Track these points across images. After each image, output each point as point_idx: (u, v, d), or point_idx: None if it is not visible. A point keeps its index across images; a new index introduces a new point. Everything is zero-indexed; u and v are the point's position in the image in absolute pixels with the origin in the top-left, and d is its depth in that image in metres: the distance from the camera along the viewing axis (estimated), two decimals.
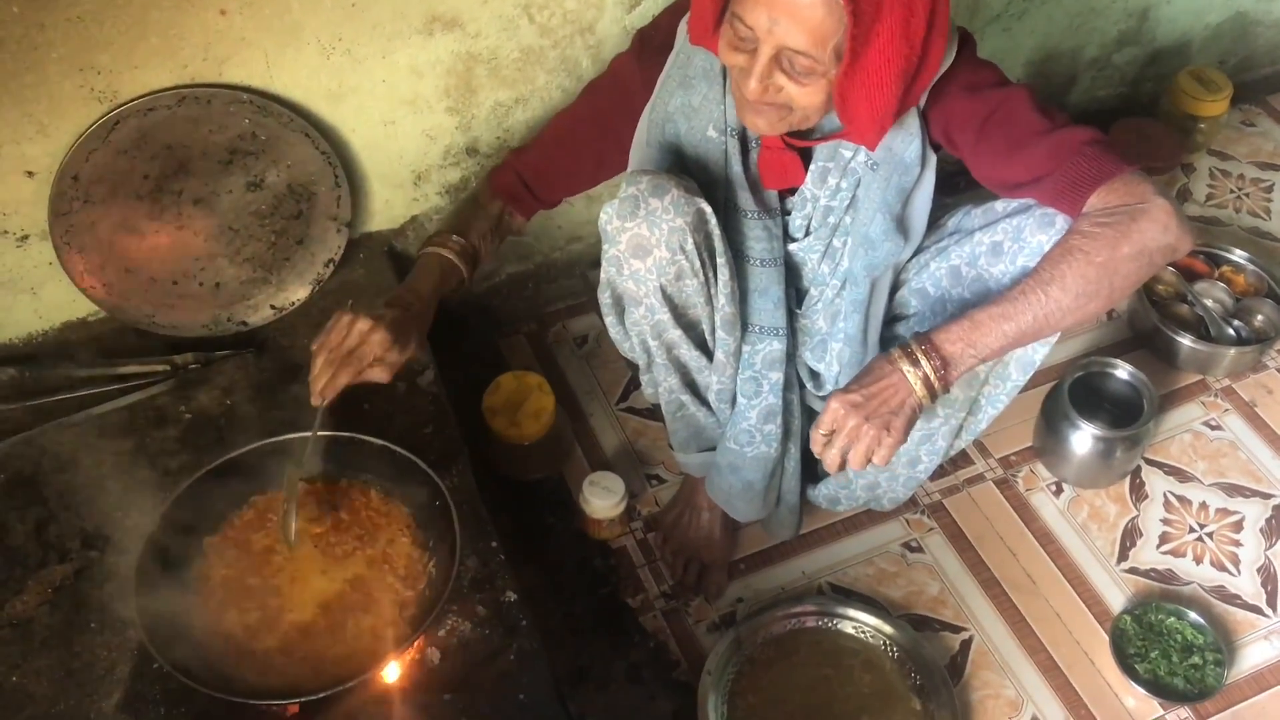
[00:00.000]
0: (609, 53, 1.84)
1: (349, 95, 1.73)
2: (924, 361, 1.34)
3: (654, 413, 1.96)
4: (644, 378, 1.70)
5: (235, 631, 1.42)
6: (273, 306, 1.83)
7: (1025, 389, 1.80)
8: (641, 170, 1.46)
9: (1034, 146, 1.36)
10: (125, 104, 1.59)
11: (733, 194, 1.54)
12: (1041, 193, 1.39)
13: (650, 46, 1.54)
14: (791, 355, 1.67)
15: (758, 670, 1.70)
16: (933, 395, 1.36)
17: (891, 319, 1.64)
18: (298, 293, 1.84)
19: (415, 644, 1.42)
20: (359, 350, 1.47)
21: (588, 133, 1.64)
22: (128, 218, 1.69)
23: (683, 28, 1.49)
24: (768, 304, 1.60)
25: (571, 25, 1.79)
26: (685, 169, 1.53)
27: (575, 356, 2.12)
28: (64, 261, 1.68)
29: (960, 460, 1.97)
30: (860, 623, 1.74)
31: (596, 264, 2.10)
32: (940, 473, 1.95)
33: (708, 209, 1.44)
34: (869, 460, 1.36)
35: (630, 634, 1.77)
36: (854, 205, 1.54)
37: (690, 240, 1.43)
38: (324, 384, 1.47)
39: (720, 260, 1.49)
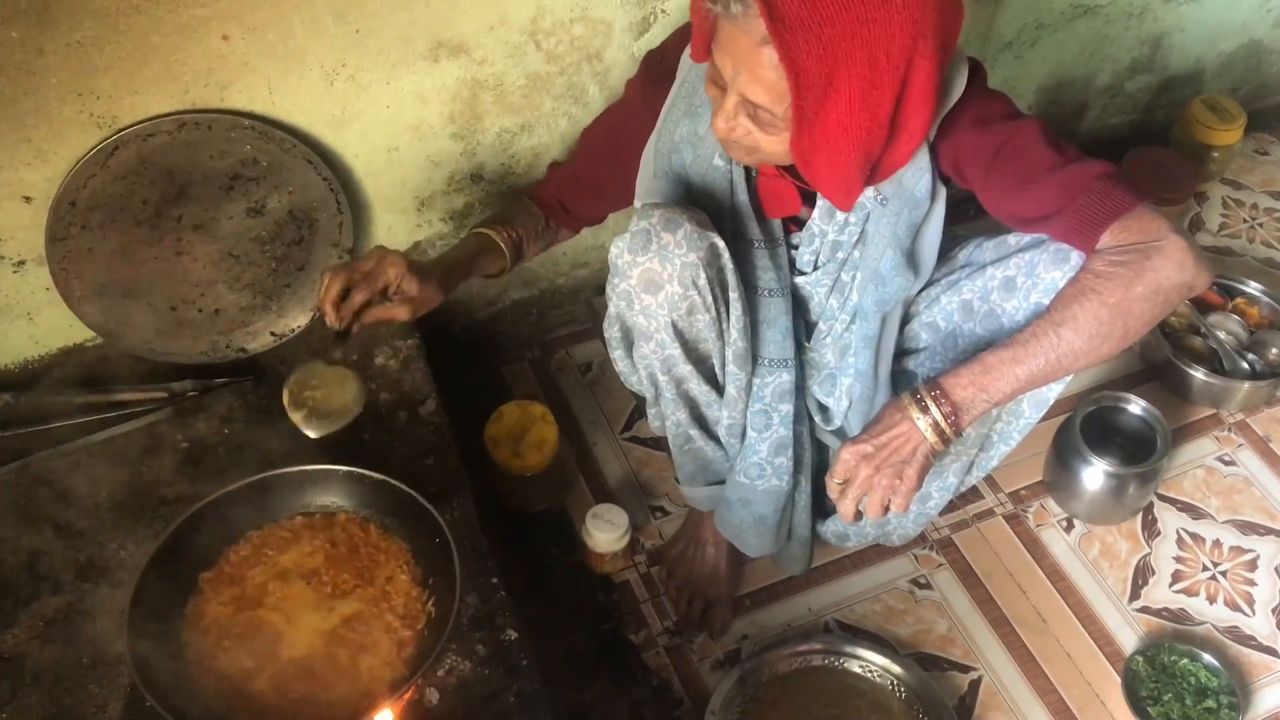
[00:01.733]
0: (616, 80, 1.82)
1: (352, 121, 1.71)
2: (933, 408, 1.33)
3: (659, 443, 1.93)
4: (650, 411, 1.67)
5: (229, 671, 1.38)
6: (273, 333, 1.81)
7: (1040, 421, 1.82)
8: (653, 204, 1.44)
9: (1045, 181, 1.34)
10: (125, 129, 1.57)
11: (739, 223, 1.52)
12: (1054, 229, 1.36)
13: (656, 72, 1.52)
14: (800, 387, 1.64)
15: (763, 709, 1.67)
16: (945, 440, 1.34)
17: (901, 353, 1.61)
18: (298, 319, 1.81)
19: (414, 685, 1.39)
20: (374, 270, 1.45)
21: (604, 155, 1.63)
22: (126, 243, 1.66)
23: (687, 55, 1.47)
24: (776, 335, 1.57)
25: (579, 52, 1.77)
26: (692, 198, 1.51)
27: (579, 384, 2.09)
28: (60, 287, 1.65)
29: (970, 495, 1.94)
30: (868, 662, 1.71)
31: (601, 290, 2.08)
32: (950, 508, 1.91)
33: (720, 243, 1.42)
34: (886, 509, 1.34)
35: (633, 671, 1.73)
36: (863, 240, 1.51)
37: (703, 275, 1.41)
38: (335, 297, 1.44)
39: (733, 295, 1.46)
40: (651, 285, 1.41)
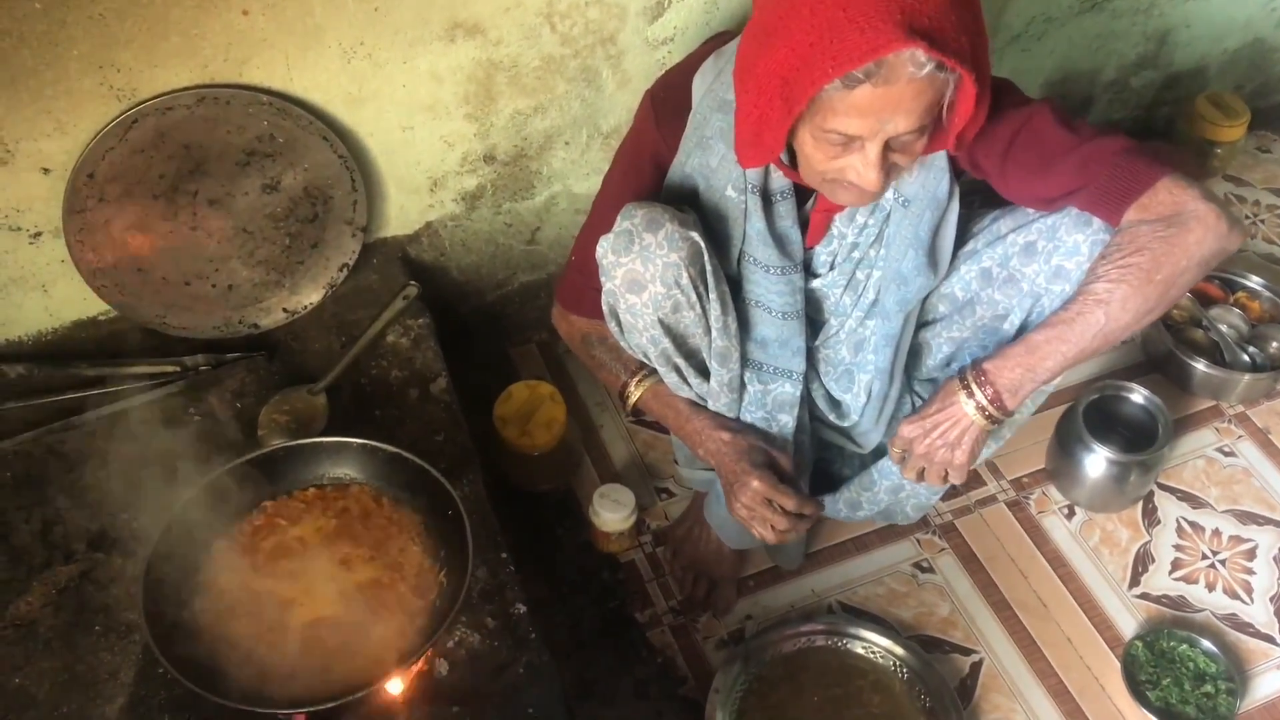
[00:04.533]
0: (630, 65, 1.84)
1: (369, 99, 1.72)
2: (978, 392, 1.42)
3: (664, 426, 1.95)
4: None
5: (242, 638, 1.40)
6: (285, 310, 1.82)
7: (1039, 411, 1.81)
8: (637, 204, 1.45)
9: (1065, 161, 1.36)
10: (144, 102, 1.58)
11: (753, 250, 1.52)
12: (1077, 203, 1.39)
13: (666, 109, 1.51)
14: (804, 397, 1.65)
15: (766, 689, 1.68)
16: (993, 420, 1.43)
17: (918, 325, 1.63)
18: (311, 296, 1.83)
19: (425, 655, 1.40)
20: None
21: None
22: (142, 217, 1.68)
23: (698, 87, 1.47)
24: (786, 351, 1.59)
25: (593, 35, 1.78)
26: (704, 226, 1.51)
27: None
28: (76, 259, 1.66)
29: (972, 481, 1.96)
30: (870, 643, 1.72)
31: None
32: (952, 493, 1.93)
33: (703, 243, 1.43)
34: (945, 479, 1.51)
35: (638, 649, 1.75)
36: (881, 241, 1.53)
37: (685, 275, 1.42)
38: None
39: (713, 296, 1.47)
40: (635, 285, 1.43)
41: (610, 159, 1.69)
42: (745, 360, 1.58)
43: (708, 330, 1.51)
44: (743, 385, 1.59)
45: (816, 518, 1.61)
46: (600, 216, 1.55)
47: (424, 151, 1.82)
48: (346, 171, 1.74)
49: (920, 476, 1.53)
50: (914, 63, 1.19)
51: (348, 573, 1.46)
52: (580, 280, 1.59)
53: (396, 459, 1.51)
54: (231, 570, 1.46)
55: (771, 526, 1.55)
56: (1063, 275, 1.45)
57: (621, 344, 1.60)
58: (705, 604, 1.80)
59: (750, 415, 1.62)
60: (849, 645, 1.73)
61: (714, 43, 1.52)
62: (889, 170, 1.32)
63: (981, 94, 1.26)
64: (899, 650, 1.71)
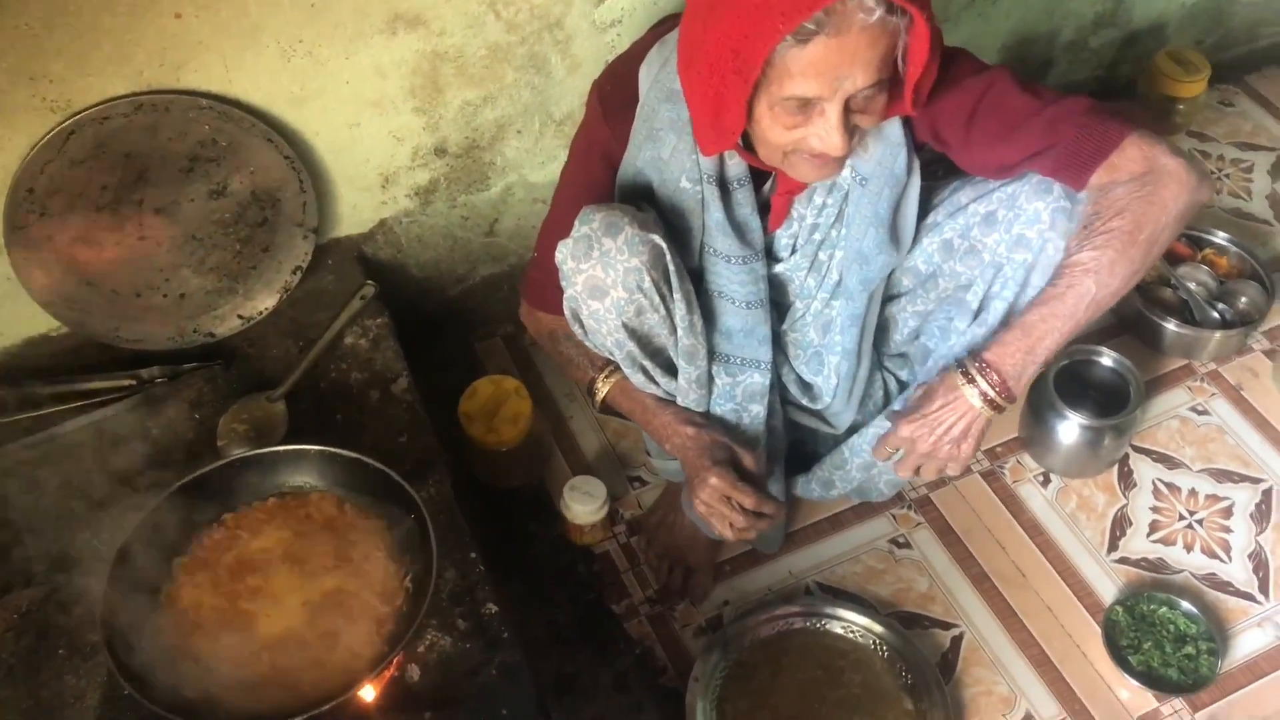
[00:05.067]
0: (579, 49, 1.80)
1: (312, 98, 1.69)
2: (980, 380, 1.41)
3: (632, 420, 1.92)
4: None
5: (207, 655, 1.37)
6: (240, 316, 1.79)
7: None
8: (595, 207, 1.42)
9: (1030, 124, 1.35)
10: (80, 113, 1.54)
11: (713, 240, 1.50)
12: (1042, 165, 1.37)
13: (613, 103, 1.47)
14: (774, 384, 1.63)
15: (746, 674, 1.67)
16: (999, 409, 1.43)
17: (883, 300, 1.62)
18: (265, 301, 1.80)
19: (394, 661, 1.38)
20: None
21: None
22: (87, 230, 1.64)
23: (644, 78, 1.44)
24: (752, 341, 1.57)
25: (539, 21, 1.75)
26: (662, 222, 1.48)
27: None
28: (22, 276, 1.63)
29: None
30: (849, 623, 1.71)
31: None
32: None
33: (663, 244, 1.41)
34: (942, 473, 1.53)
35: (615, 641, 1.73)
36: (841, 220, 1.51)
37: (647, 279, 1.40)
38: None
39: (677, 296, 1.45)
40: (597, 291, 1.41)
41: (565, 146, 1.66)
42: (712, 353, 1.56)
43: (673, 330, 1.49)
44: (711, 380, 1.58)
45: (779, 517, 1.60)
46: (559, 214, 1.53)
47: (373, 148, 1.79)
48: (294, 172, 1.71)
49: (916, 472, 1.52)
50: (863, 8, 1.17)
51: (312, 582, 1.43)
52: (543, 277, 1.56)
53: (356, 464, 1.48)
54: (193, 587, 1.43)
55: (730, 524, 1.53)
56: (1024, 244, 1.43)
57: (584, 341, 1.58)
58: (682, 592, 1.78)
59: (720, 408, 1.60)
60: (828, 626, 1.71)
61: (659, 30, 1.48)
62: (852, 133, 1.29)
63: (934, 36, 1.24)
64: (878, 628, 1.70)
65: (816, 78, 1.21)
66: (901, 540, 1.85)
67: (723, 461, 1.54)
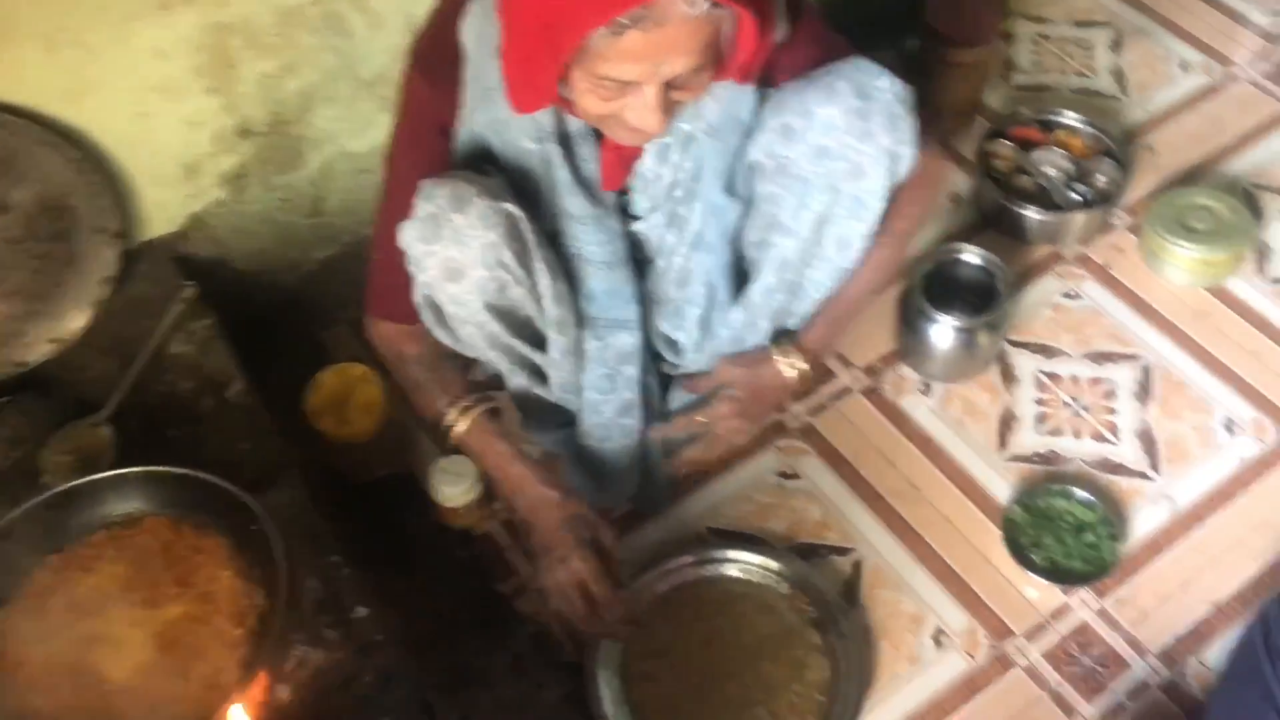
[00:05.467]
0: (377, 3, 1.68)
1: (89, 91, 1.55)
2: (797, 360, 1.58)
3: (499, 383, 1.82)
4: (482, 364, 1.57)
5: (51, 712, 1.25)
6: (51, 340, 1.64)
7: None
8: (436, 180, 1.32)
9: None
10: None
11: (563, 201, 1.41)
12: None
13: (437, 67, 1.36)
14: (646, 344, 1.57)
15: (647, 635, 1.59)
16: (806, 380, 1.60)
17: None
18: (77, 320, 1.65)
19: (259, 684, 1.27)
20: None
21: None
22: None
23: (468, 34, 1.32)
24: (618, 302, 1.50)
25: None
26: (510, 186, 1.39)
27: None
28: None
29: (823, 377, 1.88)
30: (746, 564, 1.64)
31: None
32: (803, 393, 1.85)
33: (517, 211, 1.32)
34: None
35: (507, 623, 1.64)
36: (698, 174, 1.44)
37: (507, 252, 1.32)
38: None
39: (539, 265, 1.37)
40: (454, 273, 1.32)
41: (383, 109, 1.55)
42: (580, 320, 1.48)
43: (538, 301, 1.40)
44: (582, 349, 1.50)
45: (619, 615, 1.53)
46: (395, 205, 1.40)
47: (168, 138, 1.65)
48: (82, 175, 1.57)
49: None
50: (686, 2, 1.09)
51: (155, 615, 1.31)
52: (386, 280, 1.46)
53: (185, 480, 1.36)
54: (25, 641, 1.30)
55: (574, 612, 1.49)
56: (826, 155, 1.39)
57: (441, 337, 1.47)
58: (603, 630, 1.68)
59: (595, 372, 1.53)
60: (724, 571, 1.64)
61: None
62: (670, 108, 1.23)
63: (763, 26, 1.19)
64: (774, 565, 1.63)
65: (633, 64, 1.15)
66: (789, 471, 1.79)
67: (586, 542, 1.48)
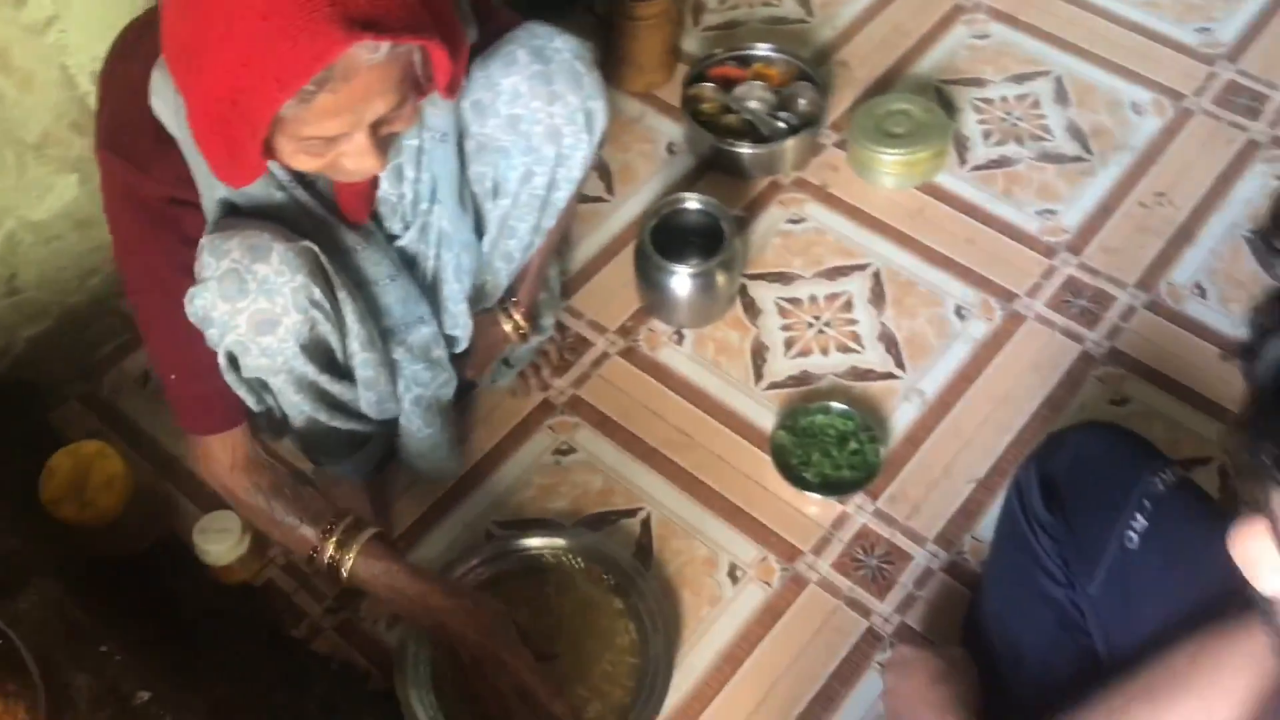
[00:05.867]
0: (21, 59, 1.58)
1: None
2: (515, 315, 1.68)
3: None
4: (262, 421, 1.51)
5: None
6: None
7: (613, 251, 1.94)
8: (218, 235, 1.24)
9: None
10: None
11: (330, 237, 1.36)
12: None
13: (142, 152, 1.25)
14: (440, 333, 1.56)
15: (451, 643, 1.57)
16: (523, 336, 1.70)
17: None
18: None
19: None
20: None
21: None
22: None
23: (164, 113, 1.22)
24: (410, 304, 1.48)
25: None
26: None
27: (143, 399, 1.85)
28: None
29: (580, 346, 1.89)
30: (536, 550, 1.64)
31: (122, 294, 1.85)
32: (565, 367, 1.86)
33: (311, 245, 1.27)
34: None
35: (307, 667, 1.59)
36: (434, 182, 1.42)
37: (316, 290, 1.27)
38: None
39: (341, 294, 1.32)
40: (266, 325, 1.26)
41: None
42: (383, 333, 1.46)
43: (342, 329, 1.36)
44: (393, 363, 1.48)
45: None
46: (156, 308, 1.33)
47: None
48: None
49: None
50: (366, 49, 1.06)
51: None
52: (195, 389, 1.37)
53: None
54: None
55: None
56: (519, 123, 1.39)
57: (243, 395, 1.39)
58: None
59: (410, 369, 1.51)
60: (515, 562, 1.64)
61: (132, 48, 1.27)
62: (385, 144, 1.21)
63: (453, 45, 1.16)
64: (563, 543, 1.64)
65: (333, 120, 1.11)
66: (564, 447, 1.79)
67: (517, 643, 1.43)
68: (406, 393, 1.54)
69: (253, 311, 1.25)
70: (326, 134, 1.14)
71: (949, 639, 1.54)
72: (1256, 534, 0.72)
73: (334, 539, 1.41)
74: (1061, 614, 1.32)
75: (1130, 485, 1.27)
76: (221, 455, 1.42)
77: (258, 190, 1.29)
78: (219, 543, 1.59)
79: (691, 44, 2.30)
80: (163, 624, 1.62)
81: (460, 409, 1.76)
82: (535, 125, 1.39)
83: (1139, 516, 1.26)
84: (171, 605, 1.65)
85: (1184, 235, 1.97)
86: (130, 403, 1.86)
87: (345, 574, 1.41)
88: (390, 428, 1.60)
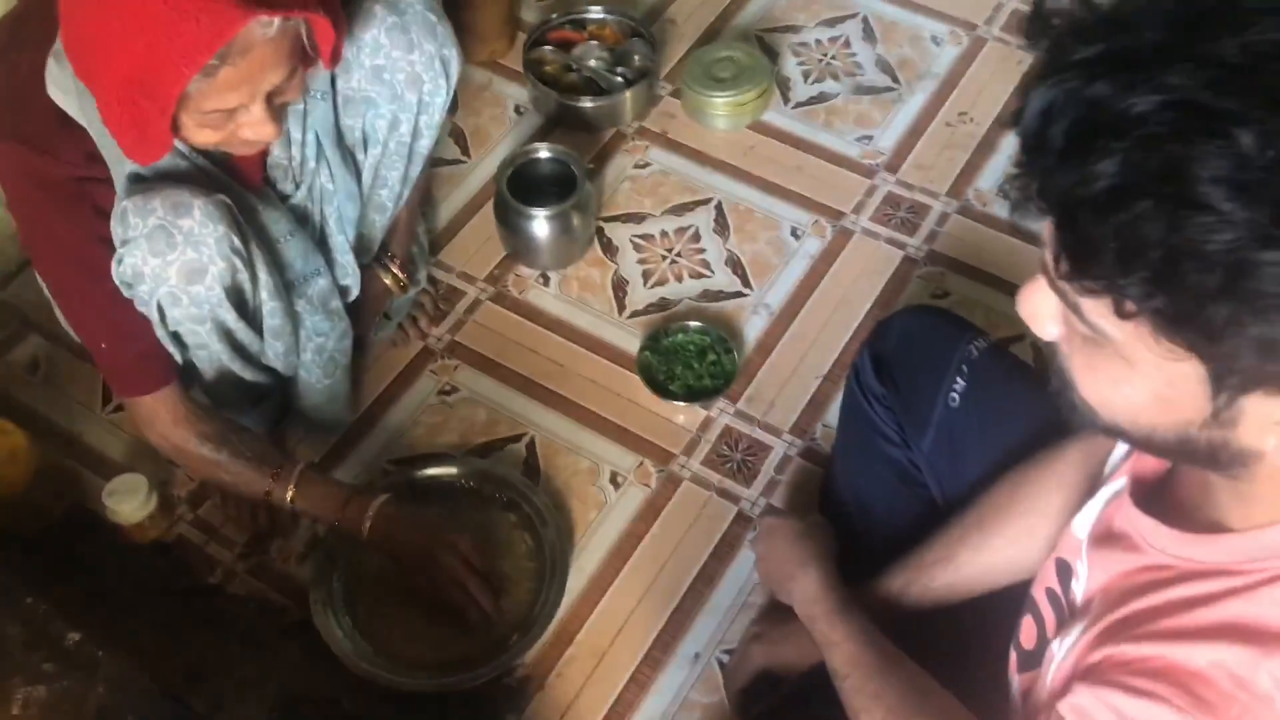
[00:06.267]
0: None
1: None
2: (394, 269, 1.82)
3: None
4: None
5: None
6: None
7: (475, 206, 2.08)
8: (139, 197, 1.34)
9: None
10: None
11: (232, 198, 1.45)
12: None
13: (38, 130, 1.34)
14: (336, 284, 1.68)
15: (361, 571, 1.69)
16: (403, 287, 1.85)
17: None
18: None
19: None
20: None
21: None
22: None
23: (66, 100, 1.33)
24: (307, 257, 1.59)
25: None
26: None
27: (33, 387, 1.92)
28: None
29: (453, 296, 2.03)
30: (429, 478, 1.78)
31: (6, 283, 1.92)
32: (440, 316, 1.99)
33: (225, 198, 1.39)
34: None
35: (226, 610, 1.70)
36: (318, 140, 1.54)
37: (236, 239, 1.39)
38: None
39: (252, 243, 1.44)
40: (195, 274, 1.37)
41: None
42: (286, 285, 1.57)
43: (254, 277, 1.46)
44: (296, 314, 1.59)
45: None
46: (77, 282, 1.44)
47: None
48: None
49: None
50: (260, 25, 1.18)
51: None
52: (128, 352, 1.48)
53: None
54: None
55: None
56: (382, 72, 1.53)
57: (169, 345, 1.49)
58: (272, 530, 1.76)
59: (311, 320, 1.62)
60: (412, 490, 1.77)
61: (2, 59, 1.38)
62: (278, 113, 1.33)
63: (335, 16, 1.29)
64: (455, 469, 1.78)
65: (233, 92, 1.24)
66: (448, 388, 1.93)
67: (452, 540, 1.61)
68: (309, 342, 1.65)
69: (182, 263, 1.36)
70: (227, 105, 1.26)
71: (810, 511, 1.72)
72: (1037, 288, 0.81)
73: (286, 480, 1.59)
74: (901, 471, 1.50)
75: (949, 354, 1.45)
76: (164, 413, 1.53)
77: (164, 163, 1.39)
78: (127, 503, 1.68)
79: (530, 13, 2.45)
80: (82, 588, 1.70)
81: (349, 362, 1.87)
82: (398, 73, 1.53)
83: (959, 379, 1.44)
84: (88, 570, 1.73)
85: (986, 147, 2.21)
86: (23, 391, 1.92)
87: (293, 505, 1.60)
88: (287, 383, 1.72)
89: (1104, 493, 1.06)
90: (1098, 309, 0.75)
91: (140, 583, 1.72)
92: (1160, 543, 0.93)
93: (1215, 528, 0.89)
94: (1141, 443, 0.87)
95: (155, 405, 1.52)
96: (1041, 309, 0.83)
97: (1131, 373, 0.78)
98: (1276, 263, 0.66)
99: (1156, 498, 1.00)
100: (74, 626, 1.43)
